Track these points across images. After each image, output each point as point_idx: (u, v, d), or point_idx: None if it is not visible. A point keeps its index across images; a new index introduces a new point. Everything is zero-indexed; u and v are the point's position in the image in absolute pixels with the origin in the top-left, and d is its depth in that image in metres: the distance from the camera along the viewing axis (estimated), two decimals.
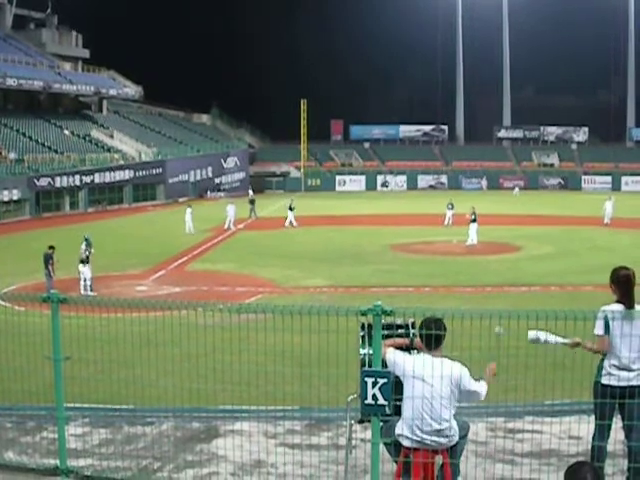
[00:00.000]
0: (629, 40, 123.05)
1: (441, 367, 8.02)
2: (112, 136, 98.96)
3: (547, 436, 9.97)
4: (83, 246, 35.19)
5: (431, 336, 8.10)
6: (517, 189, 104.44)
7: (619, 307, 8.99)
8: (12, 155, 78.94)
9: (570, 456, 9.73)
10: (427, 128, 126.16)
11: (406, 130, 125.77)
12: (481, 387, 8.27)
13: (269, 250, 46.24)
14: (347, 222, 62.52)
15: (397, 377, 8.11)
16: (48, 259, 32.31)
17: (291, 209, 60.87)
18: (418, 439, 8.04)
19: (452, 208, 59.15)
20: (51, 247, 32.89)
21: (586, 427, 9.48)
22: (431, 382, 7.96)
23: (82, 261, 32.98)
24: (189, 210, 56.96)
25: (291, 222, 60.47)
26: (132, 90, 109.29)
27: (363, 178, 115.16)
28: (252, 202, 69.68)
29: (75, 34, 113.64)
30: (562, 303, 25.99)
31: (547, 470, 8.91)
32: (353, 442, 9.55)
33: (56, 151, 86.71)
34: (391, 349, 8.30)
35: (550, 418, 11.02)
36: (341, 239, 51.99)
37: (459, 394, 8.15)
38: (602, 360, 9.18)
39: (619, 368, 9.00)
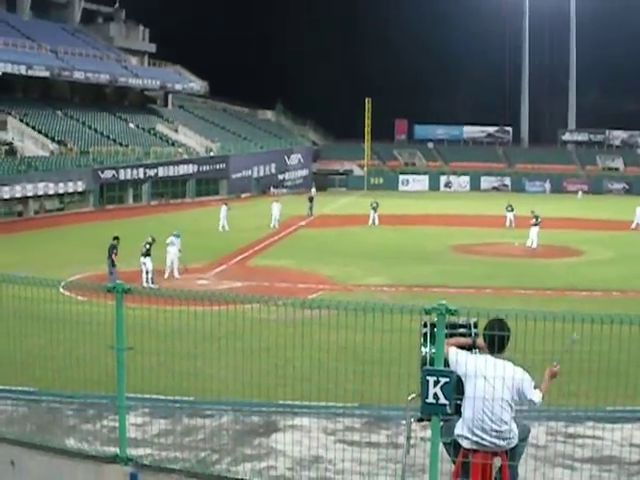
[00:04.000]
0: None
1: (503, 369, 7.99)
2: (177, 130, 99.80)
3: (607, 442, 9.89)
4: (175, 241, 35.92)
5: (495, 338, 8.06)
6: (580, 193, 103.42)
7: None
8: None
9: (631, 464, 9.63)
10: (491, 129, 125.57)
11: (470, 131, 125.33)
12: (538, 396, 8.19)
13: (330, 248, 46.26)
14: (409, 222, 62.29)
15: (458, 376, 8.07)
16: (112, 250, 32.56)
17: (374, 209, 61.20)
18: (477, 440, 8.02)
19: (512, 210, 58.81)
20: (115, 238, 33.10)
21: None
22: (493, 383, 7.93)
23: (144, 254, 33.25)
24: (224, 207, 56.75)
25: (374, 221, 60.79)
26: (197, 85, 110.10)
27: (426, 178, 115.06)
28: (311, 200, 69.97)
29: (142, 28, 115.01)
30: (624, 308, 25.68)
31: (607, 477, 8.85)
32: (412, 441, 9.55)
33: (121, 144, 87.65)
34: (454, 349, 8.27)
35: (611, 424, 10.90)
36: (402, 238, 51.94)
37: (518, 398, 8.11)
38: None
39: None
